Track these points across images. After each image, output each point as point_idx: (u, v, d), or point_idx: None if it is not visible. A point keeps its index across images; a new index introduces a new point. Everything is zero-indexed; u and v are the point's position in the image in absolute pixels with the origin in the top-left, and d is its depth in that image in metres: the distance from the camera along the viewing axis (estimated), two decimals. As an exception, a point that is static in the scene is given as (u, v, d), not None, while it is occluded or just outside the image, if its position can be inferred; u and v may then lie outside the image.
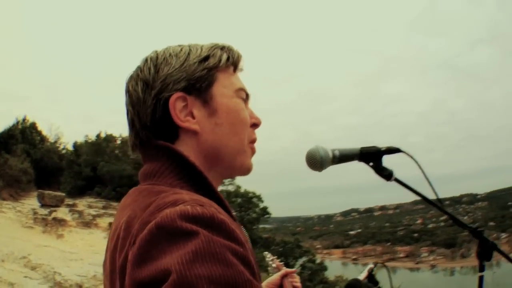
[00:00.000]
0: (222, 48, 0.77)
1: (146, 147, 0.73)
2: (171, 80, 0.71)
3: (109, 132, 17.84)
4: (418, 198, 0.98)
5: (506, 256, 1.01)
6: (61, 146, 17.99)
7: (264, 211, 22.83)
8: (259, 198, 22.68)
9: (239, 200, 21.55)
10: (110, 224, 11.26)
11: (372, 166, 0.97)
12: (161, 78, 0.71)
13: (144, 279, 0.50)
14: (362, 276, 1.44)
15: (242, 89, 0.78)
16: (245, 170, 0.79)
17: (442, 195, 1.04)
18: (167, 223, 0.52)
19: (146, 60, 0.75)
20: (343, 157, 0.94)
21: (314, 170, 0.92)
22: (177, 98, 0.70)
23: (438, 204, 1.00)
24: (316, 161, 0.90)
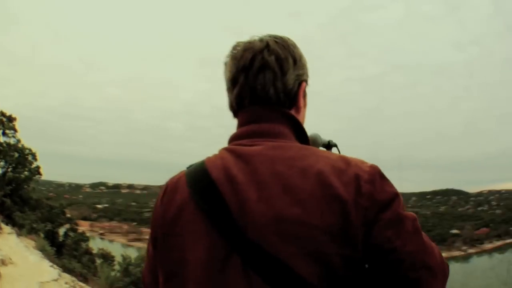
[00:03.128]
0: None
1: (271, 109, 0.90)
2: (306, 71, 0.96)
3: None
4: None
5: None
6: None
7: (37, 170, 21.27)
8: (34, 156, 21.01)
9: (16, 155, 19.56)
10: None
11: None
12: (303, 66, 0.95)
13: (385, 199, 0.78)
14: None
15: None
16: None
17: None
18: (380, 171, 0.82)
19: (289, 44, 0.93)
20: (323, 143, 1.23)
21: None
22: (305, 85, 0.95)
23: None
24: (318, 143, 1.17)
